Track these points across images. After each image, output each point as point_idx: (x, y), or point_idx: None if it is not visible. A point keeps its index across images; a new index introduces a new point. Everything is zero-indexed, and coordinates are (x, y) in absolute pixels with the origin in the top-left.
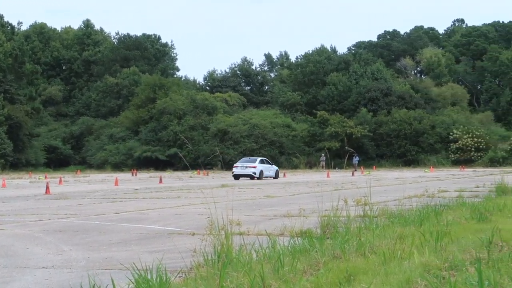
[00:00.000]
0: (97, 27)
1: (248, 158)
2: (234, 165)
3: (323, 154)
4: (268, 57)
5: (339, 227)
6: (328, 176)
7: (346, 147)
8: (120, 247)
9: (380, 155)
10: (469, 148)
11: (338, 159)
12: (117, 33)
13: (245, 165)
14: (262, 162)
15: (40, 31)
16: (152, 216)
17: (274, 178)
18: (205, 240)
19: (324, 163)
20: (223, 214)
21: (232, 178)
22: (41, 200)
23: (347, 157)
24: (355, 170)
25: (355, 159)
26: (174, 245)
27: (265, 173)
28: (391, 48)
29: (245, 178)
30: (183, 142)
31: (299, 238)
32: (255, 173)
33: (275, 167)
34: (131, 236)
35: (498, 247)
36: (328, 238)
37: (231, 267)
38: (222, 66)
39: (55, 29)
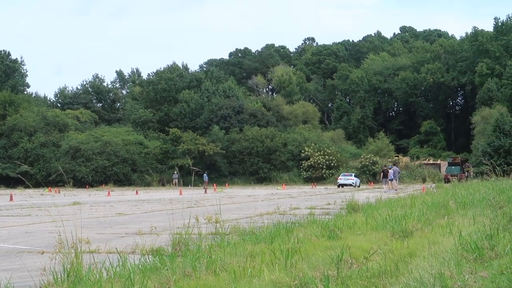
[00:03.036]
0: None
1: (346, 173)
2: (339, 177)
3: (175, 172)
4: (119, 74)
5: (191, 245)
6: (181, 193)
7: (191, 167)
8: None
9: (232, 173)
10: (320, 165)
11: (191, 177)
12: None
13: (347, 178)
14: (355, 176)
15: None
16: (1, 235)
17: (358, 186)
18: (54, 259)
19: (176, 180)
20: (73, 232)
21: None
22: None
23: (193, 175)
24: (207, 188)
25: (206, 177)
26: (23, 264)
27: (357, 183)
28: (243, 66)
29: (348, 186)
30: (34, 159)
31: (150, 256)
32: (354, 183)
33: (359, 179)
34: None
35: (348, 264)
36: (179, 256)
37: (80, 286)
38: (74, 83)
39: None
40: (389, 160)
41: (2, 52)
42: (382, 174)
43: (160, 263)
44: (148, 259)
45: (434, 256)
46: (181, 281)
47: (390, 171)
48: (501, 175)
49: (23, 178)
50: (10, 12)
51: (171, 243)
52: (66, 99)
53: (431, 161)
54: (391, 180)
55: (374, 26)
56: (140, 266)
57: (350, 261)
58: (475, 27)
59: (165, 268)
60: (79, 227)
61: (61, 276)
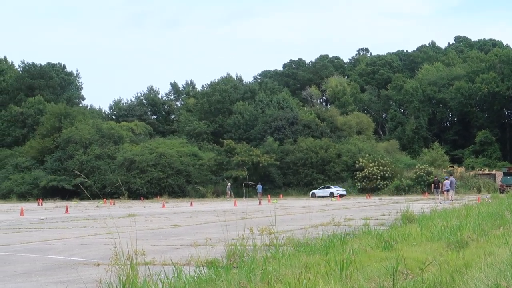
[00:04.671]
0: (1, 55)
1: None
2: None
3: (229, 183)
4: (174, 86)
5: (246, 257)
6: (235, 205)
7: (246, 181)
8: (25, 278)
9: (287, 184)
10: (375, 176)
11: (245, 188)
12: (22, 62)
13: (324, 190)
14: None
15: None
16: (58, 247)
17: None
18: (110, 271)
19: (229, 191)
20: (129, 244)
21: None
22: None
23: (247, 186)
24: (261, 199)
25: (260, 188)
26: (79, 276)
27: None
28: (297, 77)
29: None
30: (89, 171)
31: (205, 267)
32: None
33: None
34: (36, 267)
35: (403, 275)
36: (234, 267)
37: None
38: (128, 95)
39: None
40: (443, 170)
41: (58, 65)
42: (433, 184)
43: (215, 274)
44: (203, 270)
45: (490, 267)
46: None
47: (446, 181)
48: None
49: (82, 187)
50: (65, 26)
51: (226, 254)
52: (121, 111)
53: (486, 172)
54: (447, 190)
55: (429, 36)
56: (195, 277)
57: (406, 272)
58: None
59: (220, 279)
60: (134, 239)
61: None
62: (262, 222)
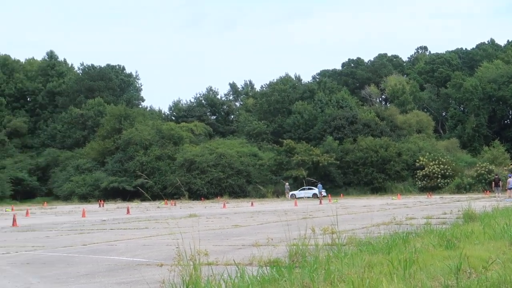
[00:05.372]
0: (61, 58)
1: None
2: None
3: (287, 183)
4: (233, 86)
5: (308, 256)
6: (295, 204)
7: (306, 178)
8: (88, 279)
9: (347, 183)
10: (435, 175)
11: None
12: (82, 64)
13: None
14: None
15: (4, 63)
16: (120, 247)
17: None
18: (173, 271)
19: (288, 191)
20: (191, 244)
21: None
22: (8, 233)
23: (308, 186)
24: (322, 198)
25: (320, 187)
26: (142, 277)
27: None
28: (356, 76)
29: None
30: (150, 172)
31: (268, 267)
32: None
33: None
34: (99, 268)
35: (466, 274)
36: (296, 267)
37: None
38: (187, 96)
39: (18, 60)
40: (504, 168)
41: (117, 67)
42: (494, 183)
43: (278, 274)
44: (266, 270)
45: None
46: None
47: (509, 179)
48: None
49: (141, 189)
50: (124, 28)
51: (288, 254)
52: (180, 112)
53: None
54: (510, 188)
55: (487, 34)
56: (258, 277)
57: (469, 271)
58: None
59: (283, 279)
60: (196, 239)
61: None
62: (323, 222)
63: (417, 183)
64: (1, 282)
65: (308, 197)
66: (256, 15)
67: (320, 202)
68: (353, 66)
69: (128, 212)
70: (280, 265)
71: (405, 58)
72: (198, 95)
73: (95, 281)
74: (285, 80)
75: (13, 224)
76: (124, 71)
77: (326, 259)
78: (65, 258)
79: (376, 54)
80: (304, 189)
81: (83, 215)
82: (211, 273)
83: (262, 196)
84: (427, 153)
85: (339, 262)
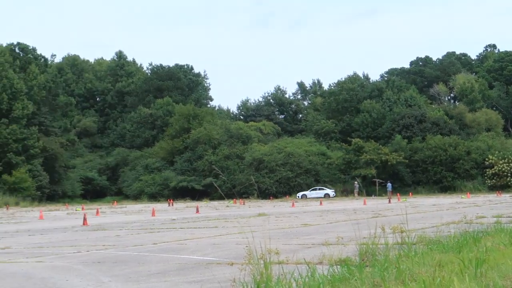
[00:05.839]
0: (129, 58)
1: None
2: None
3: (356, 182)
4: (301, 85)
5: (378, 255)
6: (364, 203)
7: (374, 178)
8: (159, 278)
9: (416, 182)
10: (505, 173)
11: (374, 187)
12: (150, 64)
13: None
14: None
15: (73, 63)
16: (190, 246)
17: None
18: (243, 270)
19: (357, 190)
20: (261, 243)
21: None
22: (79, 232)
23: (377, 185)
24: (391, 197)
25: (390, 186)
26: (213, 275)
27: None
28: (424, 75)
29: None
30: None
31: (338, 266)
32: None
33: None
34: (170, 267)
35: None
36: (367, 266)
37: None
38: (256, 95)
39: (88, 60)
40: None
41: (186, 67)
42: None
43: (348, 273)
44: (336, 269)
45: None
46: None
47: None
48: None
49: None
50: (192, 27)
51: (358, 253)
52: (248, 112)
53: None
54: None
55: None
56: (328, 276)
57: None
58: None
59: (354, 278)
60: (266, 238)
61: (251, 287)
62: (392, 221)
63: (486, 181)
64: (73, 281)
65: (320, 198)
66: (324, 14)
67: (389, 201)
68: (422, 65)
69: (197, 211)
70: (350, 264)
71: (473, 56)
72: (266, 94)
73: (166, 279)
74: (353, 78)
75: (83, 223)
76: (193, 71)
77: (396, 258)
78: (135, 257)
79: (445, 53)
80: (315, 189)
81: (153, 214)
82: (281, 272)
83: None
84: (497, 152)
85: (409, 261)
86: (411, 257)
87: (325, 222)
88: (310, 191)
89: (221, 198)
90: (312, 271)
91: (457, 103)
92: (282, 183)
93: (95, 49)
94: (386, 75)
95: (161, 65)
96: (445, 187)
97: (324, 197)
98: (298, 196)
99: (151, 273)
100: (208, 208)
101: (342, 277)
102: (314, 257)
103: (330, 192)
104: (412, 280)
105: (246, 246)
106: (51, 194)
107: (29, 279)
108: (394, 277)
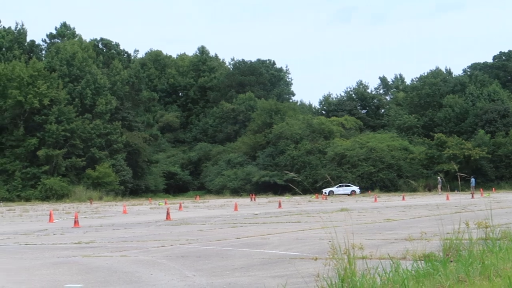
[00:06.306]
0: (211, 53)
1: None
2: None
3: (439, 177)
4: (383, 80)
5: (462, 250)
6: (447, 198)
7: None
8: (243, 272)
9: (499, 177)
10: None
11: (457, 182)
12: (232, 59)
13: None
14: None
15: (156, 59)
16: (273, 241)
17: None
18: (327, 265)
19: (440, 185)
20: (344, 238)
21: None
22: (162, 226)
23: (459, 180)
24: (473, 192)
25: (472, 181)
26: (297, 270)
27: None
28: (507, 69)
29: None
30: (300, 166)
31: (422, 261)
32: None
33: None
34: (253, 261)
35: None
36: (451, 261)
37: None
38: (338, 90)
39: (170, 56)
40: None
41: (268, 62)
42: None
43: (432, 268)
44: (420, 264)
45: None
46: (455, 287)
47: None
48: None
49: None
50: (274, 22)
51: (442, 248)
52: (330, 107)
53: None
54: None
55: None
56: (412, 271)
57: None
58: None
59: (438, 273)
60: (348, 233)
61: (335, 282)
62: (476, 216)
63: None
64: (157, 275)
65: (347, 194)
66: (405, 8)
67: (472, 196)
68: (505, 59)
69: (279, 206)
70: (434, 259)
71: None
72: (348, 89)
73: (250, 274)
74: (436, 73)
75: (166, 218)
76: (275, 66)
77: (481, 253)
78: (219, 252)
79: None
80: (342, 186)
81: (235, 209)
82: (365, 267)
83: (413, 190)
84: None
85: (494, 256)
86: (495, 253)
87: (408, 217)
88: (337, 187)
89: (303, 193)
90: (396, 266)
91: None
92: (364, 178)
93: (177, 44)
94: (468, 70)
95: (243, 60)
96: None
97: (350, 194)
98: (326, 192)
99: (235, 267)
100: (290, 203)
101: (426, 273)
102: (397, 252)
103: (356, 189)
104: (497, 276)
105: (329, 241)
106: (134, 189)
107: (113, 273)
108: (478, 273)
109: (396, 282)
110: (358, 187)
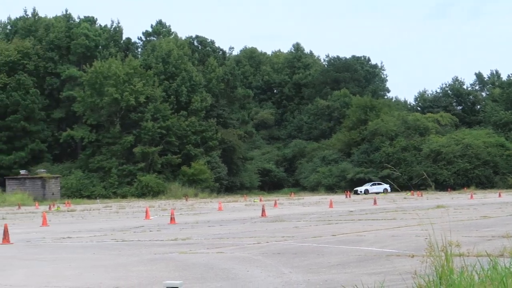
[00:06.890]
0: (306, 50)
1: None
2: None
3: None
4: (479, 76)
5: None
6: None
7: None
8: (339, 269)
9: None
10: None
11: None
12: (327, 56)
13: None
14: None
15: (251, 56)
16: (369, 238)
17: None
18: (424, 262)
19: None
20: (441, 235)
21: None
22: (257, 223)
23: (377, 182)
24: None
25: None
26: (393, 267)
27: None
28: None
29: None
30: (395, 163)
31: None
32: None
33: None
34: (349, 258)
35: None
36: None
37: None
38: (433, 86)
39: (265, 53)
40: None
41: (362, 58)
42: None
43: None
44: None
45: None
46: None
47: None
48: None
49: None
50: (369, 19)
51: None
52: (426, 103)
53: None
54: None
55: None
56: (511, 269)
57: None
58: None
59: None
60: (445, 230)
61: (433, 279)
62: None
63: None
64: (254, 272)
65: (379, 192)
66: (502, 2)
67: None
68: None
69: (375, 203)
70: None
71: None
72: (443, 85)
73: (346, 271)
74: None
75: (262, 215)
76: (369, 62)
77: None
78: (315, 249)
79: None
80: (375, 184)
81: (330, 206)
82: (462, 264)
83: (510, 187)
84: None
85: None
86: None
87: (505, 215)
88: (371, 185)
89: (398, 190)
90: (494, 263)
91: None
92: (460, 175)
93: (272, 41)
94: None
95: (338, 56)
96: None
97: (383, 192)
98: (361, 191)
99: (331, 264)
100: (386, 200)
101: None
102: (495, 249)
103: (388, 187)
104: None
105: (426, 238)
106: (229, 186)
107: (210, 269)
108: None
109: (495, 279)
110: (389, 185)
